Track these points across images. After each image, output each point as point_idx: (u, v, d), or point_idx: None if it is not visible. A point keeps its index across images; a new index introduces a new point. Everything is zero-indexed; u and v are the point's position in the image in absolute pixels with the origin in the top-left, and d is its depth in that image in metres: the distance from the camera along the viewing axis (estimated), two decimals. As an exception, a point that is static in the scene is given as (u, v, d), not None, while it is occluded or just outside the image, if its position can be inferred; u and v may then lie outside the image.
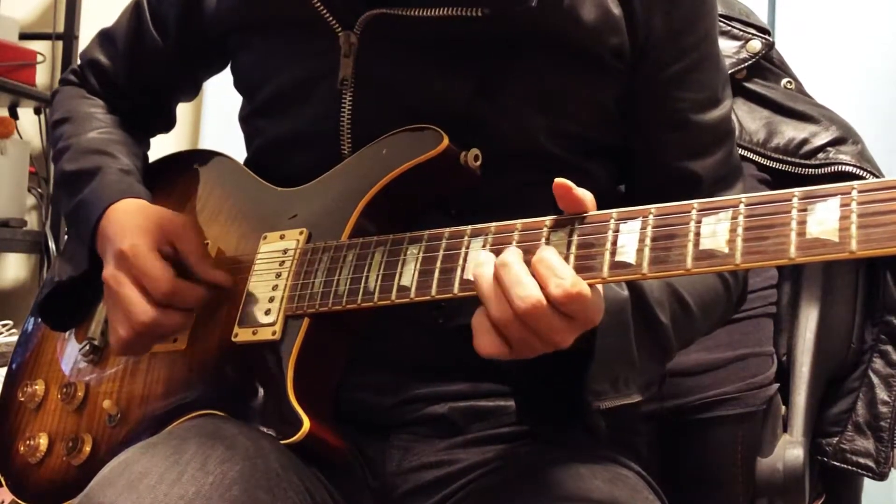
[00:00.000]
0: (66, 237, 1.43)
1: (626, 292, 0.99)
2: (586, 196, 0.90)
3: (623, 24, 1.07)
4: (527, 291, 0.85)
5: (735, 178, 1.18)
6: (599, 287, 0.90)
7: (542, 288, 0.85)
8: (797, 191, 0.79)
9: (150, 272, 1.10)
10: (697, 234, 0.83)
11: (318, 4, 1.11)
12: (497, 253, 0.90)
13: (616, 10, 1.07)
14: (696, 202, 0.85)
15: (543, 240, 0.90)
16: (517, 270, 0.86)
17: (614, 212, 0.88)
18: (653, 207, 0.87)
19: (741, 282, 1.18)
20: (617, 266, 0.86)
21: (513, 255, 0.88)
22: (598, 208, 0.91)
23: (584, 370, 0.96)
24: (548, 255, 0.87)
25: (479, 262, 0.90)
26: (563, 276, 0.85)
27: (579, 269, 0.87)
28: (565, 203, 0.90)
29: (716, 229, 0.82)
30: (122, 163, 1.26)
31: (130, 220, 1.16)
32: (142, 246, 1.11)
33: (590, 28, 1.06)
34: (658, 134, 1.14)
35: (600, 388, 0.98)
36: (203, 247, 1.16)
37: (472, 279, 0.90)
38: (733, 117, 1.22)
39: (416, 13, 1.07)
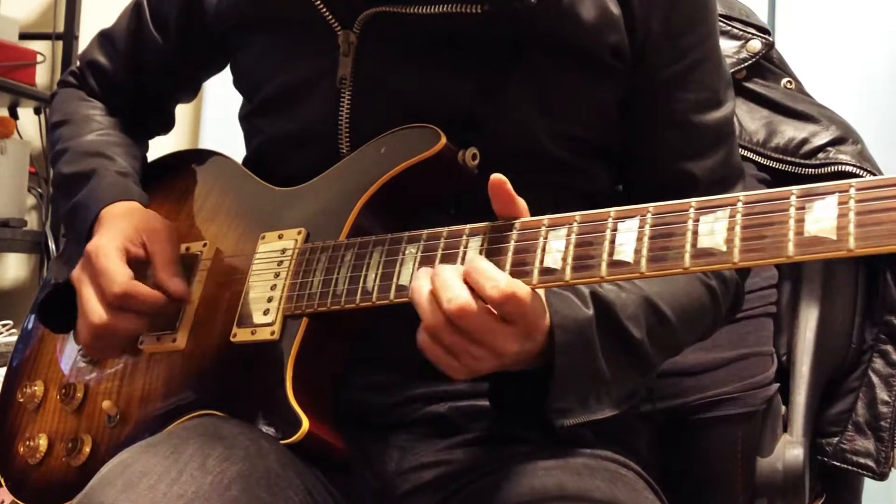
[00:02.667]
0: (63, 237, 1.43)
1: (590, 311, 1.00)
2: (520, 200, 0.93)
3: (622, 23, 1.08)
4: (454, 293, 0.88)
5: (735, 181, 1.18)
6: (541, 293, 0.92)
7: (479, 292, 0.87)
8: (795, 189, 0.79)
9: (106, 272, 1.09)
10: (695, 233, 0.83)
11: (318, 3, 1.11)
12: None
13: (615, 9, 1.08)
14: (693, 200, 0.85)
15: (542, 238, 0.90)
16: (446, 276, 0.89)
17: (612, 210, 0.88)
18: (651, 206, 0.87)
19: (733, 289, 1.17)
20: (615, 265, 0.86)
21: (447, 267, 0.91)
22: (599, 207, 0.91)
23: (546, 390, 0.97)
24: (479, 263, 0.89)
25: (417, 276, 0.92)
26: (496, 278, 0.87)
27: (577, 268, 0.88)
28: (498, 200, 0.93)
29: (714, 227, 0.82)
30: (119, 165, 1.27)
31: (114, 223, 1.16)
32: (106, 246, 1.11)
33: (589, 27, 1.06)
34: (657, 134, 1.14)
35: (565, 406, 1.00)
36: (174, 253, 1.15)
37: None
38: (735, 119, 1.22)
39: (415, 11, 1.07)
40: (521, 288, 0.88)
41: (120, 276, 1.09)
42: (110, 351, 1.15)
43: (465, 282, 0.89)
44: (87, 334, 1.10)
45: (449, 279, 0.89)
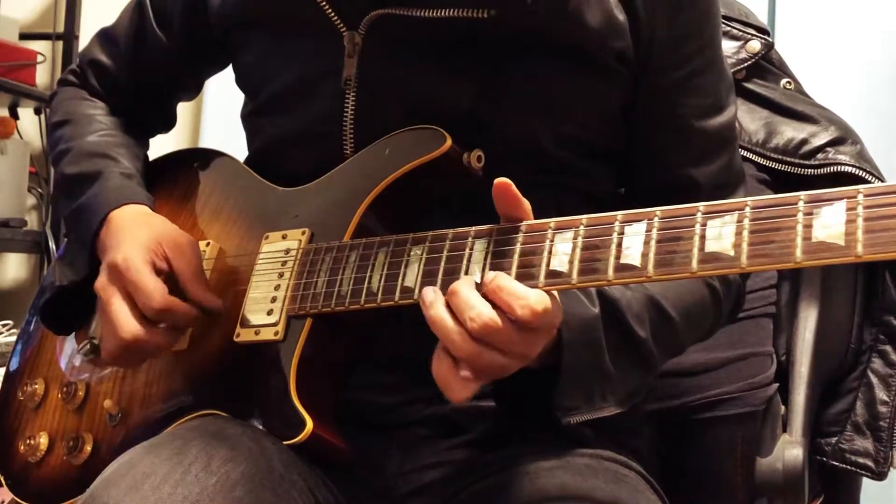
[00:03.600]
0: (65, 237, 1.42)
1: (596, 309, 1.01)
2: (525, 201, 0.93)
3: (627, 29, 1.08)
4: (476, 311, 0.87)
5: (736, 186, 1.18)
6: (555, 293, 0.91)
7: (509, 312, 0.87)
8: (803, 194, 0.79)
9: (143, 287, 1.08)
10: (703, 237, 0.83)
11: (324, 4, 1.11)
12: (495, 255, 0.93)
13: (620, 15, 1.08)
14: (701, 205, 0.85)
15: (548, 241, 0.90)
16: (465, 294, 0.88)
17: (619, 214, 0.88)
18: (658, 210, 0.87)
19: (735, 289, 1.18)
20: (622, 269, 0.86)
21: (462, 283, 0.89)
22: (601, 209, 0.91)
23: (552, 387, 0.98)
24: (504, 283, 0.88)
25: (429, 303, 0.90)
26: (524, 296, 0.87)
27: (583, 271, 0.88)
28: (504, 203, 0.92)
29: (721, 232, 0.82)
30: (124, 166, 1.26)
31: (129, 231, 1.14)
32: (135, 259, 1.09)
33: (594, 32, 1.07)
34: (659, 139, 1.14)
35: (571, 404, 1.00)
36: (199, 266, 1.14)
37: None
38: (736, 124, 1.22)
39: (421, 14, 1.07)
40: (547, 300, 0.88)
41: (158, 292, 1.08)
42: (137, 363, 1.14)
43: (490, 300, 0.88)
44: (118, 348, 1.09)
45: (469, 296, 0.88)
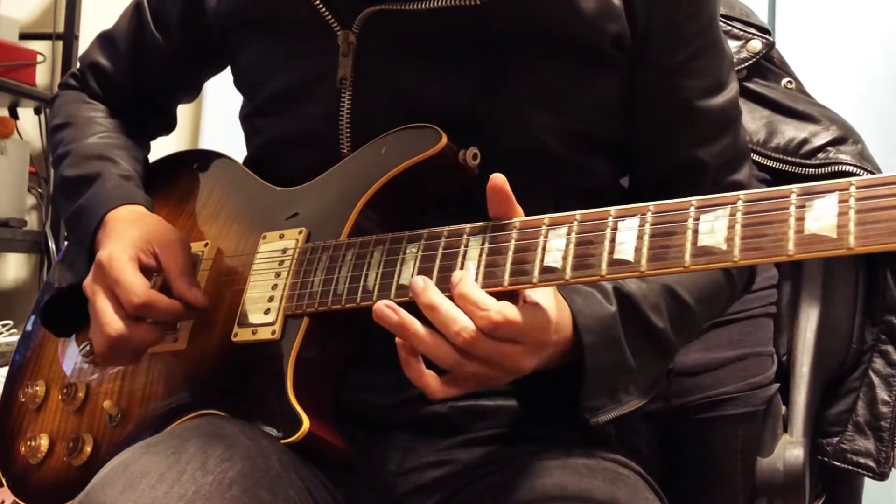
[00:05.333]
0: (65, 240, 1.42)
1: (613, 307, 1.01)
2: (517, 206, 0.94)
3: (623, 13, 1.07)
4: (461, 324, 0.88)
5: (742, 162, 1.18)
6: (546, 303, 0.92)
7: (472, 321, 0.88)
8: (795, 187, 0.79)
9: (124, 282, 1.08)
10: (696, 231, 0.83)
11: (317, 3, 1.11)
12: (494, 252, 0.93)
13: None
14: (694, 199, 0.85)
15: (542, 237, 0.91)
16: (446, 308, 0.89)
17: (613, 209, 0.89)
18: (651, 205, 0.87)
19: (747, 268, 1.19)
20: (615, 263, 0.86)
21: (435, 295, 0.90)
22: (600, 205, 0.91)
23: (578, 388, 0.99)
24: (467, 290, 0.89)
25: (406, 324, 0.91)
26: (485, 306, 0.88)
27: (577, 267, 0.88)
28: (495, 200, 0.93)
29: (714, 226, 0.82)
30: (123, 168, 1.27)
31: (121, 230, 1.15)
32: (119, 256, 1.10)
33: (589, 17, 1.06)
34: (663, 123, 1.14)
35: (598, 404, 1.01)
36: (187, 263, 1.14)
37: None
38: (739, 101, 1.22)
39: (413, 7, 1.07)
40: (510, 311, 0.88)
41: (138, 286, 1.08)
42: (127, 360, 1.15)
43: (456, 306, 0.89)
44: (105, 345, 1.10)
45: (450, 310, 0.89)
